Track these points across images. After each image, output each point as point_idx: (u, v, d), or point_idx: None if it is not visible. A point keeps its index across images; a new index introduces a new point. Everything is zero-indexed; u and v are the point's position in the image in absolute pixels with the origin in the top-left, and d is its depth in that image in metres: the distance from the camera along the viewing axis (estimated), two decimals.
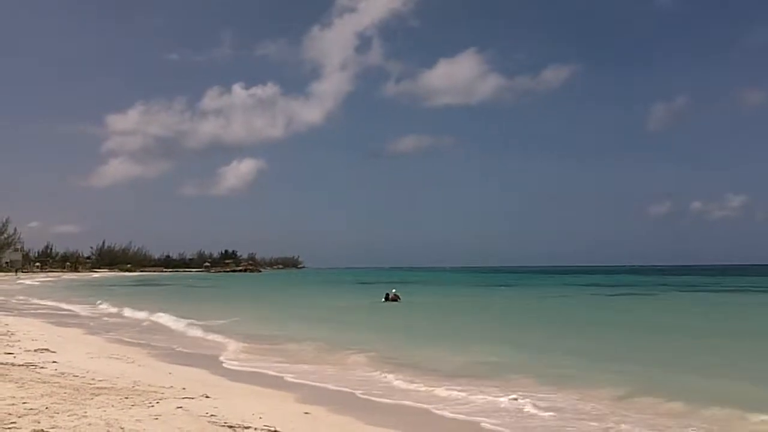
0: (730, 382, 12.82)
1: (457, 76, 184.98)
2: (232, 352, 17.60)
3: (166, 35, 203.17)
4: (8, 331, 19.57)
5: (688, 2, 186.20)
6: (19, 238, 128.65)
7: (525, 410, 10.58)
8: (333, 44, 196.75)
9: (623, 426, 9.56)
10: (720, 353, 17.57)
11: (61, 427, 7.43)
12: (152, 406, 9.25)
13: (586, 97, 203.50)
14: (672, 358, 16.90)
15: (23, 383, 10.26)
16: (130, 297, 46.18)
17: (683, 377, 13.58)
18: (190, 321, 25.39)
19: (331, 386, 12.64)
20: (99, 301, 38.93)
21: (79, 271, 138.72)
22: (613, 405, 10.94)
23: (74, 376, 11.70)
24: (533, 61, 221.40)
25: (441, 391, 12.04)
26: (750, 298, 48.03)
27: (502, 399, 11.28)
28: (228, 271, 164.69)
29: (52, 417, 7.92)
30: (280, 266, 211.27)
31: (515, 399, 11.21)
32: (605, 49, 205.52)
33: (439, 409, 10.67)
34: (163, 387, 11.01)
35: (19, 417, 7.78)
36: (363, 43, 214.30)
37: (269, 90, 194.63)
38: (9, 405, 8.44)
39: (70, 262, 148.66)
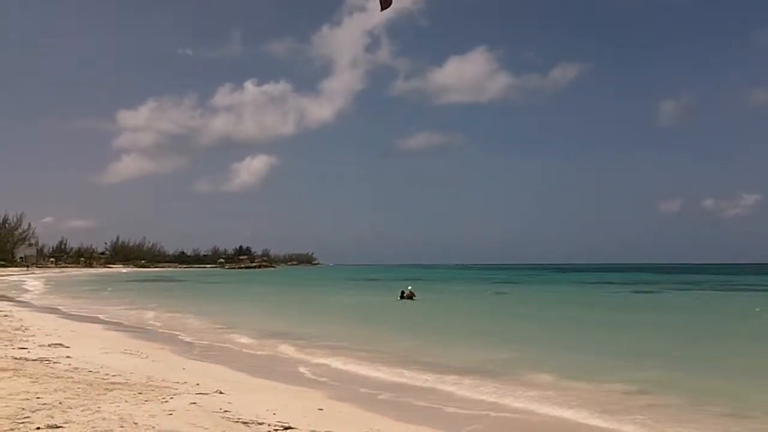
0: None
1: (467, 74, 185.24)
2: None
3: (177, 31, 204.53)
4: (22, 326, 19.62)
5: (698, 1, 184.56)
6: (33, 233, 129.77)
7: None
8: (343, 42, 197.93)
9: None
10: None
11: (74, 422, 7.37)
12: (166, 401, 9.19)
13: (596, 96, 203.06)
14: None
15: (37, 378, 10.22)
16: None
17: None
18: None
19: (336, 383, 12.61)
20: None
21: (93, 267, 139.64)
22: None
23: (88, 371, 11.65)
24: (543, 59, 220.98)
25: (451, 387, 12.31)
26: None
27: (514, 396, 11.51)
28: (242, 267, 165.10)
29: (66, 412, 7.86)
30: (295, 263, 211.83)
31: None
32: (614, 47, 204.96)
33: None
34: (177, 382, 10.94)
35: (33, 412, 7.73)
36: (373, 41, 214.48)
37: (281, 87, 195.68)
38: (23, 400, 8.39)
39: (84, 257, 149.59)
